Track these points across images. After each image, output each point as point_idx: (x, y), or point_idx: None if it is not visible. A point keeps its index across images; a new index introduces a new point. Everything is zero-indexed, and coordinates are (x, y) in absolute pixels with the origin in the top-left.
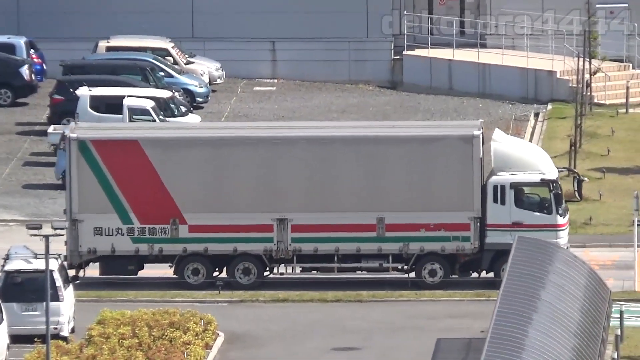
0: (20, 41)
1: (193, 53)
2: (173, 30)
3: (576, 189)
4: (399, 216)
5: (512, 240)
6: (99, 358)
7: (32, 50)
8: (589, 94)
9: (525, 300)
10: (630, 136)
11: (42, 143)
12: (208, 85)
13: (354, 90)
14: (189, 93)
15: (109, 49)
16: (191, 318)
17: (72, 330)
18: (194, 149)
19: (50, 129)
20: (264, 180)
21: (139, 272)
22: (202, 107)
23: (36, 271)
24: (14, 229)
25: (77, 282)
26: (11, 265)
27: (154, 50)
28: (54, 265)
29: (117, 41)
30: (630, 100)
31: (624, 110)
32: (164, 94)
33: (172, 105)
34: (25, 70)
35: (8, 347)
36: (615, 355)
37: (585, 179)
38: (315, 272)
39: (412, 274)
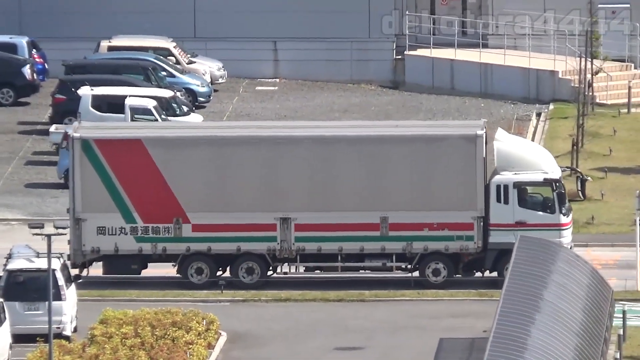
0: (23, 41)
1: (195, 53)
2: (175, 30)
3: (579, 188)
4: (402, 215)
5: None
6: (101, 357)
7: (34, 50)
8: (591, 93)
9: (528, 300)
10: (632, 136)
11: (44, 142)
12: (210, 85)
13: (356, 90)
14: (191, 93)
15: (111, 48)
16: (194, 317)
17: (75, 330)
18: (198, 148)
19: (52, 128)
20: (267, 180)
21: (143, 271)
22: (204, 107)
23: (38, 270)
24: (16, 228)
25: (80, 281)
26: (13, 265)
27: (156, 50)
28: (56, 264)
29: (119, 41)
30: (632, 100)
31: (626, 110)
32: (166, 93)
33: (174, 105)
34: (27, 70)
35: (10, 347)
36: (618, 355)
37: (589, 178)
38: (318, 271)
39: (416, 274)
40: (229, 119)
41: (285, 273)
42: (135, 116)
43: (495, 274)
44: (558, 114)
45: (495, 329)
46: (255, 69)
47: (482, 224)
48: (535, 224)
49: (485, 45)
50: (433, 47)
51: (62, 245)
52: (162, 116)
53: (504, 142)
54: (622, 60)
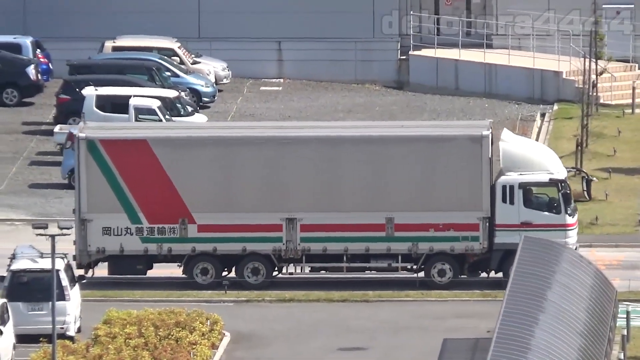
0: (27, 41)
1: (199, 53)
2: (179, 30)
3: (585, 188)
4: (408, 216)
5: None
6: (105, 358)
7: (39, 50)
8: (595, 94)
9: (532, 301)
10: (637, 136)
11: (49, 142)
12: (214, 85)
13: (360, 90)
14: (195, 93)
15: (115, 48)
16: (197, 318)
17: (79, 330)
18: (203, 148)
19: (57, 128)
20: (273, 180)
21: (148, 271)
22: (208, 107)
23: (42, 271)
24: (20, 228)
25: (84, 281)
26: (17, 265)
27: (160, 50)
28: (60, 264)
29: (123, 41)
30: (637, 100)
31: (630, 111)
32: (170, 93)
33: (179, 105)
34: (31, 70)
35: (14, 347)
36: (622, 356)
37: (594, 178)
38: (324, 271)
39: (421, 274)
40: (233, 119)
41: (290, 273)
42: (140, 116)
43: (500, 274)
44: (562, 114)
45: (498, 330)
46: (260, 69)
47: (487, 224)
48: (540, 225)
49: (489, 46)
50: (437, 48)
51: (66, 245)
52: (166, 116)
53: (510, 142)
54: (627, 61)
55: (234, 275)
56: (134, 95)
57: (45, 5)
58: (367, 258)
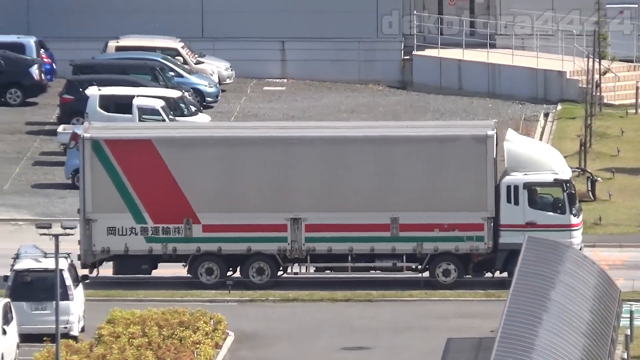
0: (30, 41)
1: (203, 53)
2: (183, 30)
3: (590, 189)
4: (412, 216)
5: None
6: (108, 357)
7: (42, 50)
8: (598, 94)
9: (535, 300)
10: None
11: (52, 142)
12: (218, 85)
13: (364, 90)
14: (198, 93)
15: (118, 48)
16: (201, 317)
17: (82, 330)
18: (208, 148)
19: (60, 128)
20: (278, 180)
21: (153, 271)
22: (211, 107)
23: (46, 270)
24: (23, 228)
25: (87, 281)
26: (21, 265)
27: (163, 50)
28: (63, 264)
29: (126, 41)
30: None
31: (634, 111)
32: (174, 93)
33: (182, 105)
34: (35, 70)
35: (18, 346)
36: (625, 355)
37: (599, 179)
38: (329, 271)
39: (426, 274)
40: (236, 119)
41: (295, 273)
42: (143, 116)
43: (505, 274)
44: (566, 114)
45: (502, 329)
46: (263, 69)
47: (492, 224)
48: (545, 225)
49: (492, 46)
50: (441, 47)
51: (69, 245)
52: (170, 116)
53: (515, 142)
54: (630, 61)
55: (239, 275)
56: (138, 95)
57: (48, 5)
58: (371, 258)
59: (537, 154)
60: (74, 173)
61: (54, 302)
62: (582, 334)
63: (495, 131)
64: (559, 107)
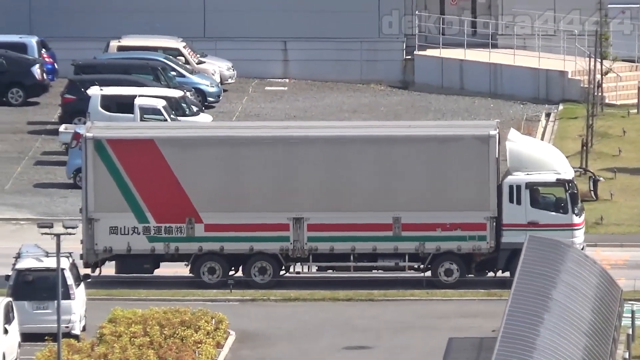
0: (32, 40)
1: (204, 53)
2: (184, 30)
3: (592, 188)
4: (415, 216)
5: None
6: (110, 356)
7: (44, 50)
8: (600, 94)
9: (537, 300)
10: None
11: (54, 142)
12: (219, 85)
13: (366, 90)
14: (200, 92)
15: (120, 48)
16: (202, 317)
17: (84, 329)
18: (210, 148)
19: (62, 128)
20: (280, 180)
21: (155, 271)
22: (213, 107)
23: (47, 270)
24: (25, 227)
25: (89, 280)
26: (22, 264)
27: (165, 50)
28: (65, 263)
29: (128, 41)
30: None
31: (635, 111)
32: (176, 93)
33: (184, 105)
34: (36, 70)
35: (19, 345)
36: (627, 355)
37: (601, 178)
38: (331, 271)
39: (428, 273)
40: (238, 119)
41: (297, 273)
42: (145, 116)
43: (507, 274)
44: (567, 114)
45: (503, 329)
46: (265, 69)
47: (494, 224)
48: (547, 224)
49: (494, 46)
50: (442, 47)
51: (71, 244)
52: (172, 116)
53: (517, 142)
54: (632, 61)
55: (241, 275)
56: (139, 95)
57: (50, 4)
58: (374, 257)
59: (540, 154)
60: (76, 173)
61: (56, 301)
62: (583, 333)
63: (497, 131)
64: (561, 107)
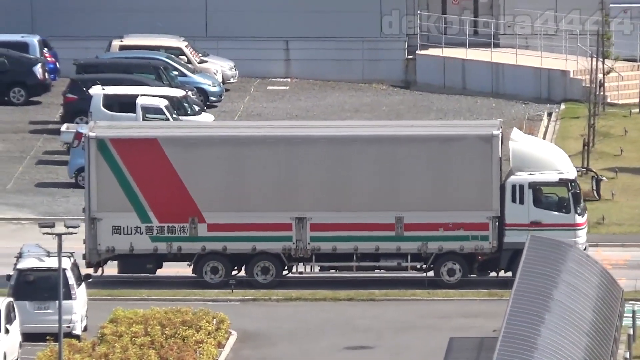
0: (34, 40)
1: (206, 52)
2: (186, 29)
3: (594, 188)
4: (417, 215)
5: None
6: (111, 356)
7: (46, 49)
8: (602, 93)
9: (538, 300)
10: None
11: (55, 142)
12: (221, 85)
13: (368, 90)
14: (202, 92)
15: (122, 47)
16: (204, 317)
17: (85, 329)
18: (213, 147)
19: (64, 127)
20: (283, 179)
21: (157, 270)
22: (215, 106)
23: (49, 269)
24: (27, 227)
25: (90, 280)
26: (24, 264)
27: (167, 49)
28: (66, 263)
29: (130, 40)
30: None
31: (637, 110)
32: (178, 92)
33: (186, 104)
34: (38, 69)
35: (20, 345)
36: (628, 355)
37: (604, 178)
38: (333, 271)
39: (431, 273)
40: (240, 119)
41: (300, 273)
42: (147, 115)
43: (510, 273)
44: (569, 113)
45: (504, 329)
46: (267, 68)
47: (497, 224)
48: (550, 224)
49: (496, 45)
50: (444, 47)
51: (72, 244)
52: (174, 115)
53: (520, 142)
54: (634, 60)
55: (244, 275)
56: (141, 95)
57: (52, 4)
58: (376, 257)
59: (542, 154)
60: (77, 172)
61: (57, 301)
62: (584, 333)
63: (500, 131)
64: (563, 106)
